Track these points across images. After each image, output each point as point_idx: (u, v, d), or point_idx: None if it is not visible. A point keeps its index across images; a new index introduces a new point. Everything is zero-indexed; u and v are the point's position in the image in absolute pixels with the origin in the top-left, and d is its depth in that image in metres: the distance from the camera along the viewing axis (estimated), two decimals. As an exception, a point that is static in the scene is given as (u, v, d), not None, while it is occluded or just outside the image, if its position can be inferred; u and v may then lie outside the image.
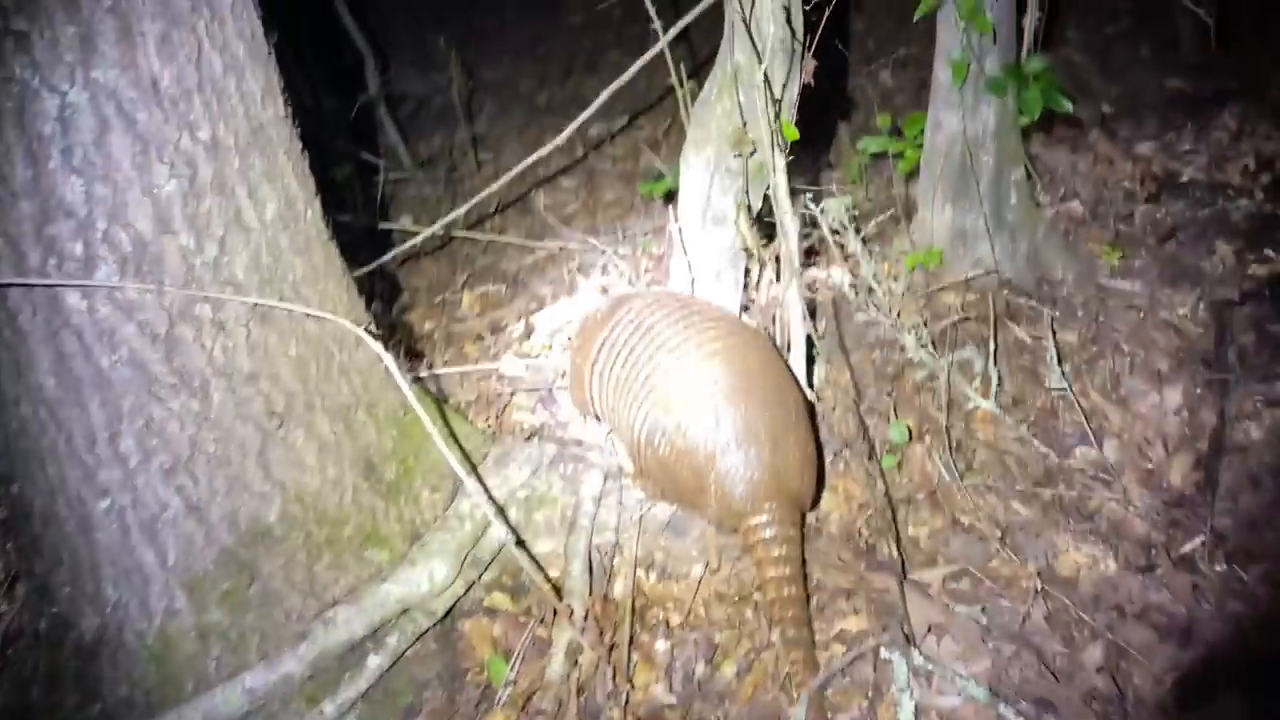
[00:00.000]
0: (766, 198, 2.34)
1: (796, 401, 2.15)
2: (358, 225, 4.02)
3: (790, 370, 2.25)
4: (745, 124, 2.14)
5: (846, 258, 2.96)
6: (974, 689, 1.84)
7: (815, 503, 2.25)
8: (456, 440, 2.23)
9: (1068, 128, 4.43)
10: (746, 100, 2.14)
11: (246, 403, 1.83)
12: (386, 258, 3.16)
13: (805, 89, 2.24)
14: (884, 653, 1.87)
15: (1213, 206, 3.73)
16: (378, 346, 1.82)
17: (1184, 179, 4.03)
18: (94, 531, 1.79)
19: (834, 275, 3.12)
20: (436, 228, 3.17)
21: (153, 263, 1.66)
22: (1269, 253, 3.30)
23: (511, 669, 2.02)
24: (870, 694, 1.91)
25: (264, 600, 1.91)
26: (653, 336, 2.16)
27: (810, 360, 2.51)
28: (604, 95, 2.66)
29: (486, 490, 2.14)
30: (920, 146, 3.21)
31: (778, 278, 2.36)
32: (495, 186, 3.22)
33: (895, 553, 2.02)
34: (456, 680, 2.04)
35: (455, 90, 5.36)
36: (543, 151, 2.95)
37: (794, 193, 2.31)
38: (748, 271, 2.50)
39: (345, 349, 2.01)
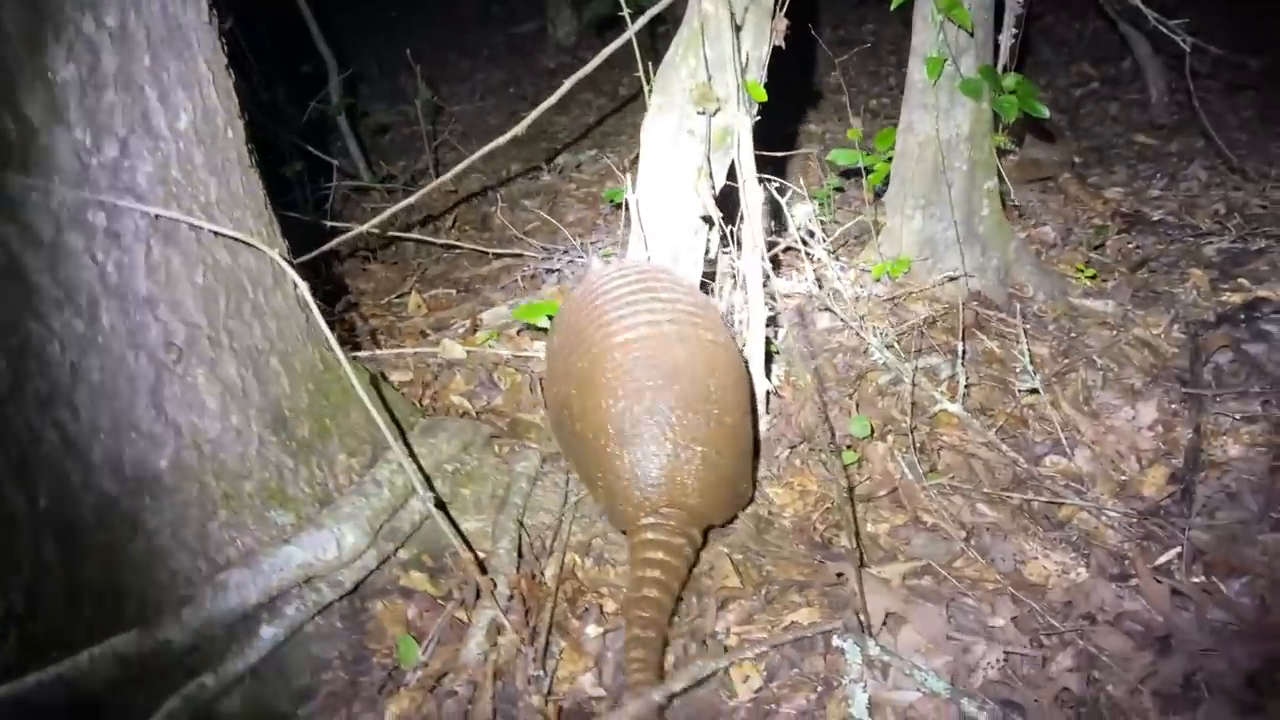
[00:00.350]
0: (731, 172, 2.22)
1: (729, 405, 1.94)
2: (303, 223, 3.85)
3: (739, 369, 2.04)
4: (711, 79, 2.01)
5: (813, 264, 2.84)
6: (934, 682, 1.66)
7: (728, 520, 2.08)
8: (385, 405, 2.05)
9: (1036, 170, 4.41)
10: (713, 54, 2.02)
11: (141, 330, 1.64)
12: (330, 245, 2.99)
13: (776, 52, 2.13)
14: (836, 640, 1.68)
15: (1184, 242, 3.67)
16: (295, 275, 1.64)
17: (1155, 219, 3.99)
18: (-47, 463, 1.59)
19: (798, 283, 2.99)
20: (380, 220, 3.03)
21: (42, 156, 1.49)
22: (1243, 281, 3.22)
23: (424, 651, 1.81)
24: (819, 688, 1.72)
25: (147, 558, 1.70)
26: (593, 311, 2.01)
27: (769, 351, 2.36)
28: (571, 81, 2.54)
29: (413, 456, 1.95)
30: (890, 160, 3.12)
31: (739, 251, 2.22)
32: (449, 176, 3.10)
33: (853, 543, 1.84)
34: (361, 663, 1.82)
35: (421, 115, 5.27)
36: (503, 139, 2.83)
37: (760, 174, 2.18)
38: (708, 249, 2.36)
39: (260, 289, 1.84)
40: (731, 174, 2.16)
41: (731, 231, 2.20)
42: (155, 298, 1.64)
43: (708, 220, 2.18)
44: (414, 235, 4.17)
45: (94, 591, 1.67)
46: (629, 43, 2.11)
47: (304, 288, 1.61)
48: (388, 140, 6.05)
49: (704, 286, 2.40)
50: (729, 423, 1.92)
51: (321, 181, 4.57)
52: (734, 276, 2.24)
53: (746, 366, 2.03)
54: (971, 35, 2.66)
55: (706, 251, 2.30)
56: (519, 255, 3.97)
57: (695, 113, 2.09)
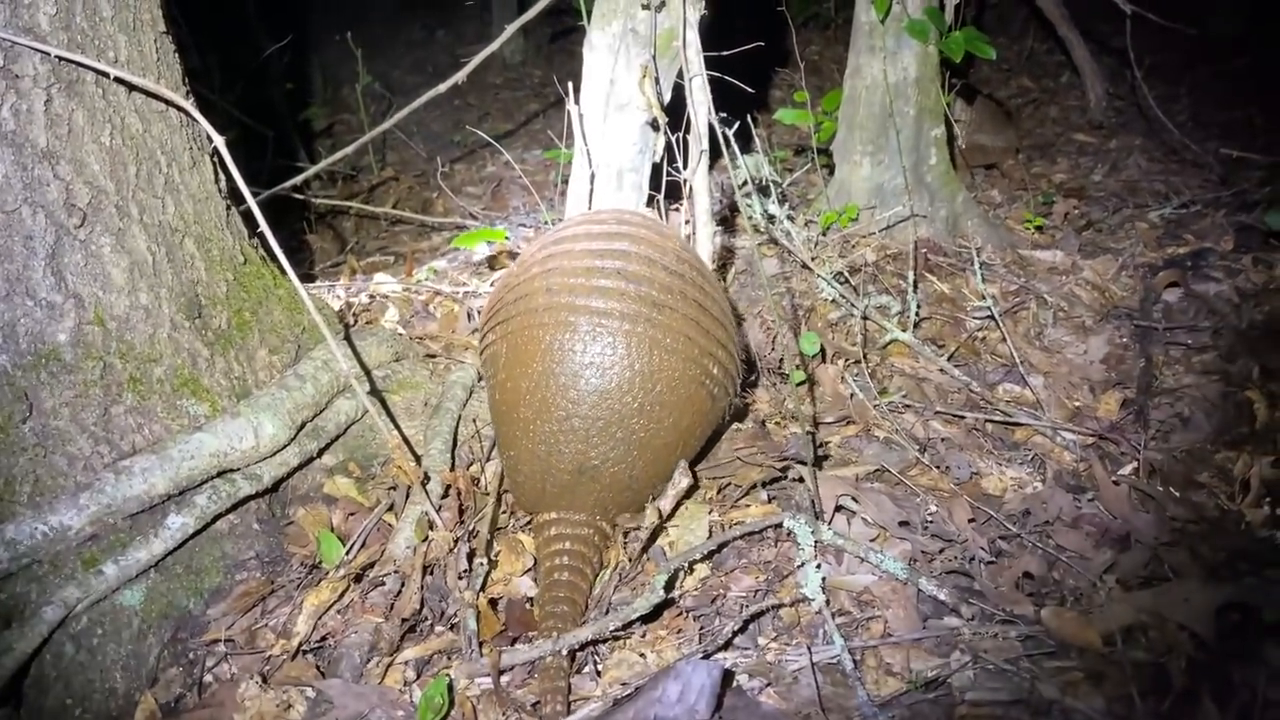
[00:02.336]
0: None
1: (662, 420, 1.64)
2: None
3: (688, 383, 1.66)
4: (654, -31, 1.96)
5: (763, 203, 2.78)
6: (891, 564, 1.57)
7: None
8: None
9: (982, 156, 4.43)
10: (656, -56, 1.96)
11: (39, 186, 1.51)
12: (274, 191, 2.89)
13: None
14: (787, 523, 1.59)
15: (1127, 211, 3.68)
16: (210, 129, 1.53)
17: (1099, 194, 4.01)
18: None
19: (747, 233, 2.93)
20: (335, 159, 2.95)
21: (-72, -19, 1.37)
22: (1188, 237, 3.22)
23: (348, 551, 1.68)
24: (767, 575, 1.62)
25: (42, 440, 1.55)
26: (547, 269, 1.70)
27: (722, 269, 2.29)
28: (513, 27, 2.50)
29: (343, 355, 1.82)
30: (837, 119, 3.09)
31: (684, 165, 2.15)
32: (383, 128, 3.03)
33: (805, 433, 1.75)
34: (279, 564, 1.69)
35: (361, 100, 5.19)
36: (442, 87, 2.78)
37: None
38: (655, 170, 2.29)
39: (176, 165, 1.72)
40: (680, 78, 2.09)
41: (678, 139, 2.13)
42: (56, 152, 1.52)
43: (654, 125, 2.11)
44: (355, 204, 4.06)
45: (-19, 474, 1.52)
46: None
47: (220, 141, 1.50)
48: (330, 144, 5.96)
49: (650, 201, 2.33)
50: (658, 444, 1.66)
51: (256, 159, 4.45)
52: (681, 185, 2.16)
53: (707, 384, 1.68)
54: (918, -32, 2.65)
55: (654, 168, 2.23)
56: (461, 226, 3.89)
57: (640, 9, 2.02)
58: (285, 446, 1.73)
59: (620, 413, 1.62)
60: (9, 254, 1.51)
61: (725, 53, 2.07)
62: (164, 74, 1.71)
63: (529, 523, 1.79)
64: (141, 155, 1.65)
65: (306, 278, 2.94)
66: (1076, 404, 2.34)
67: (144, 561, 1.55)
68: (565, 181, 3.74)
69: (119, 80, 1.55)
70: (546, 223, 3.47)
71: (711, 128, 2.01)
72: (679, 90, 2.21)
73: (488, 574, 1.64)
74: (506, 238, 2.47)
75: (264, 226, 1.52)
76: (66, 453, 1.57)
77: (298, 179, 2.94)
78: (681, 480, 1.64)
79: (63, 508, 1.51)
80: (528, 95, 6.49)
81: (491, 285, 2.57)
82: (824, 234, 2.97)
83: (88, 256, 1.58)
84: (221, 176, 1.87)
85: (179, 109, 1.64)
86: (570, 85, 2.20)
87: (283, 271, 1.63)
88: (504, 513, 1.83)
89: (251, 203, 1.51)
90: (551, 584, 1.59)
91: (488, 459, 1.89)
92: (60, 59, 1.49)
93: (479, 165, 5.29)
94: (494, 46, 2.61)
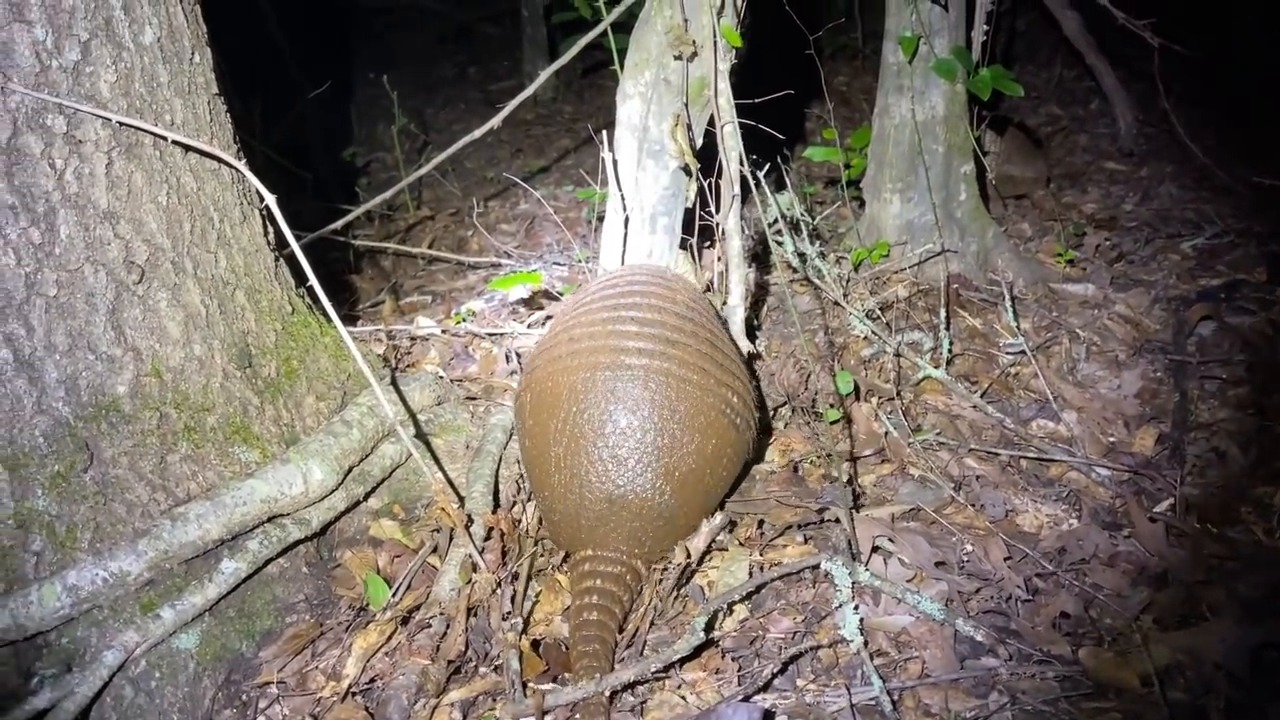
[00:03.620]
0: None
1: (687, 455, 1.71)
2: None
3: (711, 413, 1.73)
4: (687, 22, 2.01)
5: (795, 241, 2.82)
6: (928, 604, 1.59)
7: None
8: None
9: (1011, 186, 4.44)
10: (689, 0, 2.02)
11: (100, 246, 1.58)
12: (324, 231, 2.96)
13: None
14: (824, 564, 1.61)
15: (1159, 241, 3.68)
16: (261, 188, 1.59)
17: (1131, 224, 4.01)
18: (-102, 378, 1.52)
19: (778, 270, 2.97)
20: (353, 216, 3.02)
21: (0, 54, 1.45)
22: (1220, 268, 3.22)
23: (394, 594, 1.72)
24: (805, 616, 1.64)
25: (102, 489, 1.62)
26: (571, 319, 1.84)
27: (751, 320, 2.33)
28: (555, 65, 2.57)
29: (388, 400, 1.88)
30: (867, 156, 3.13)
31: (717, 208, 2.19)
32: (422, 171, 3.10)
33: (843, 478, 1.78)
34: (328, 606, 1.73)
35: (396, 140, 5.30)
36: (479, 131, 2.85)
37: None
38: (688, 214, 2.33)
39: (228, 220, 1.79)
40: (712, 124, 2.15)
41: (711, 184, 2.18)
42: (116, 213, 1.59)
43: (687, 171, 2.16)
44: (392, 244, 4.14)
45: (45, 521, 1.58)
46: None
47: (271, 200, 1.57)
48: (366, 182, 6.07)
49: (682, 244, 2.37)
50: (685, 470, 1.71)
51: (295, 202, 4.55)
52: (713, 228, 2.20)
53: (728, 412, 1.75)
54: (945, 9, 2.69)
55: (687, 212, 2.27)
56: (496, 265, 3.95)
57: (672, 60, 2.08)
58: (333, 491, 1.78)
59: (645, 440, 1.69)
60: (72, 310, 1.57)
61: (757, 100, 2.12)
62: (217, 134, 1.78)
63: (565, 560, 1.83)
64: (196, 212, 1.72)
65: (349, 319, 3.00)
66: (1111, 439, 2.35)
67: (199, 606, 1.60)
68: (599, 220, 3.81)
69: (176, 143, 1.62)
70: (581, 261, 3.53)
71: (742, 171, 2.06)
72: (710, 135, 2.26)
73: (529, 615, 1.68)
74: (542, 280, 2.52)
75: (313, 280, 1.58)
76: (125, 500, 1.63)
77: (340, 222, 3.02)
78: (715, 518, 1.68)
79: (122, 554, 1.57)
80: (559, 131, 6.58)
81: (528, 326, 2.62)
82: (855, 271, 3.00)
83: (145, 311, 1.65)
84: (269, 229, 1.94)
85: (233, 169, 1.71)
86: (605, 133, 2.26)
87: (330, 321, 1.68)
88: (542, 555, 1.87)
89: (302, 259, 1.57)
90: (582, 623, 1.62)
91: (528, 500, 1.93)
92: (121, 124, 1.56)
93: (512, 203, 5.37)
94: (530, 91, 2.68)
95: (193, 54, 1.72)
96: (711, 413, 1.74)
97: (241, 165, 1.65)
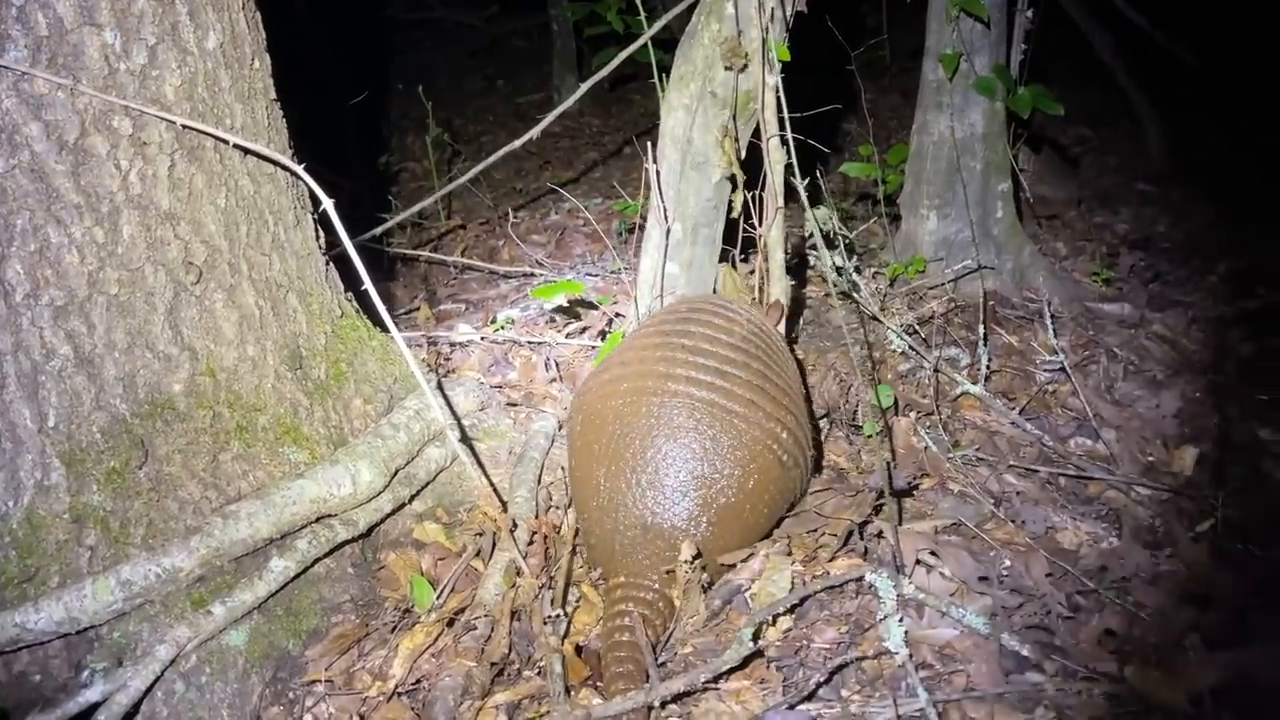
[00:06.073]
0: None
1: (729, 488, 1.71)
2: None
3: (755, 446, 1.73)
4: (740, 34, 2.03)
5: (831, 253, 2.82)
6: (973, 619, 1.58)
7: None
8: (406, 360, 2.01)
9: (1044, 207, 4.43)
10: (741, 11, 2.03)
11: (161, 246, 1.61)
12: (373, 233, 2.99)
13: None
14: (868, 577, 1.62)
15: (1194, 263, 3.67)
16: (320, 191, 1.61)
17: (1164, 245, 4.00)
18: (-38, 372, 1.54)
19: (813, 284, 2.98)
20: (392, 223, 3.05)
21: (70, 55, 1.48)
22: (1260, 290, 3.20)
23: (439, 596, 1.74)
24: (849, 627, 1.65)
25: (156, 485, 1.64)
26: (627, 347, 1.89)
27: (789, 333, 2.33)
28: (593, 80, 2.59)
29: (435, 402, 1.90)
30: (903, 173, 3.14)
31: (759, 221, 2.21)
32: (459, 182, 3.13)
33: (888, 489, 1.78)
34: (373, 607, 1.75)
35: (430, 149, 5.35)
36: (516, 143, 2.87)
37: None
38: (730, 226, 2.35)
39: (282, 224, 1.82)
40: (755, 136, 2.16)
41: (753, 197, 2.19)
42: (177, 214, 1.62)
43: (732, 182, 2.17)
44: (426, 253, 4.18)
45: (99, 517, 1.60)
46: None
47: (329, 203, 1.59)
48: (397, 191, 6.12)
49: (724, 255, 2.38)
50: (724, 504, 1.71)
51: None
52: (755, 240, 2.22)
53: (775, 448, 1.74)
54: (987, 26, 2.70)
55: (729, 217, 2.28)
56: (529, 274, 3.97)
57: (720, 73, 2.10)
58: (380, 493, 1.79)
59: (687, 470, 1.69)
60: (131, 309, 1.60)
61: (802, 114, 2.13)
62: (274, 139, 1.81)
63: (600, 576, 1.83)
64: (252, 215, 1.74)
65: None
66: (1150, 459, 2.34)
67: (249, 603, 1.62)
68: (628, 232, 3.83)
69: (236, 146, 1.65)
70: (614, 272, 3.55)
71: (788, 185, 2.07)
72: (752, 148, 2.28)
73: (569, 621, 1.68)
74: (583, 290, 2.54)
75: (369, 285, 1.60)
76: (178, 497, 1.66)
77: (379, 229, 3.05)
78: (774, 544, 1.68)
79: (174, 550, 1.59)
80: (587, 144, 6.61)
81: (566, 336, 2.64)
82: (891, 286, 3.00)
83: (202, 311, 1.67)
84: (320, 233, 1.96)
85: (291, 173, 1.74)
86: (649, 144, 2.27)
87: (381, 327, 1.70)
88: (580, 566, 1.88)
89: (358, 264, 1.60)
90: (614, 644, 1.61)
91: (569, 506, 1.94)
92: (185, 127, 1.59)
93: (543, 214, 5.40)
94: (568, 104, 2.71)
95: (253, 59, 1.75)
96: (757, 446, 1.73)
97: (300, 169, 1.68)
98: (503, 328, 2.72)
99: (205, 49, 1.64)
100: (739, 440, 1.71)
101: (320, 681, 1.60)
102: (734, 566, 1.75)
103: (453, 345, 2.59)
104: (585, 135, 6.90)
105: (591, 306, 2.76)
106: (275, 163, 1.71)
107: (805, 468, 1.84)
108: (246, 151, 1.68)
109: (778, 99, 2.08)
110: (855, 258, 3.16)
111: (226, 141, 1.63)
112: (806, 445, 1.84)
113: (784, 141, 2.10)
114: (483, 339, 2.63)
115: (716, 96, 2.15)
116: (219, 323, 1.69)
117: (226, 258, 1.70)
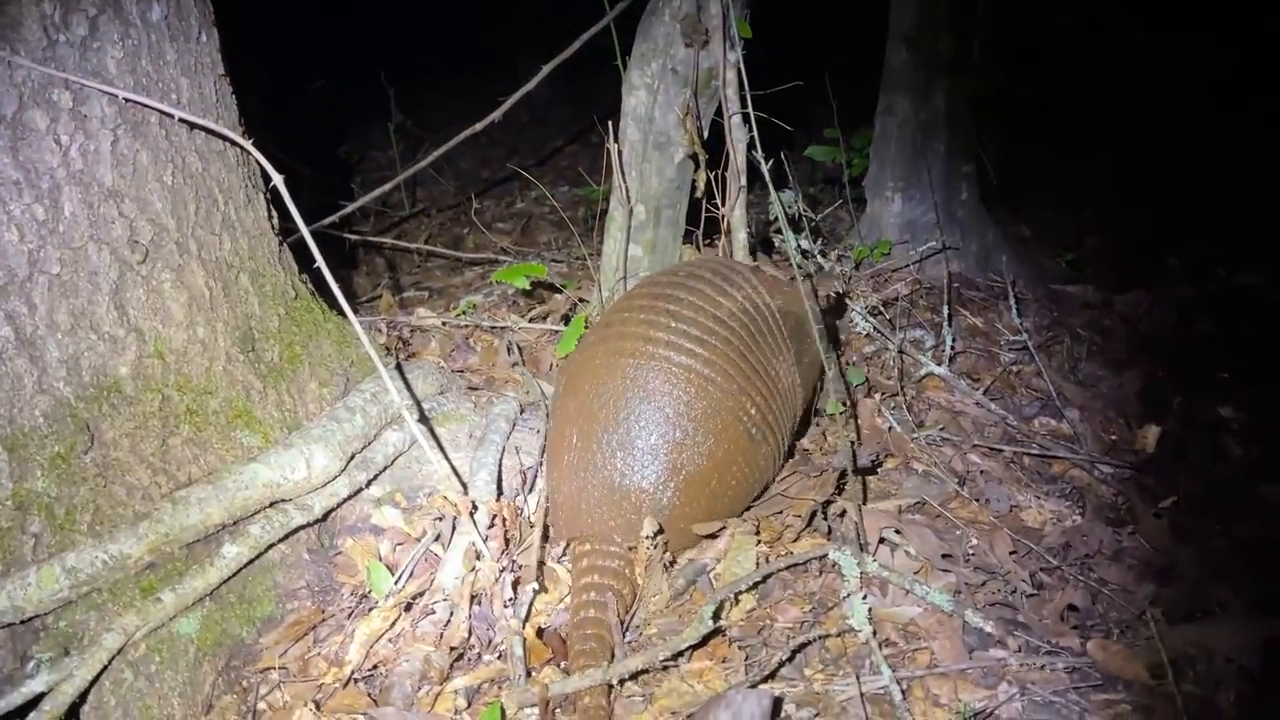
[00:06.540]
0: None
1: (698, 453, 1.69)
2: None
3: (727, 415, 1.72)
4: (700, 9, 2.00)
5: (797, 236, 2.81)
6: (937, 596, 1.57)
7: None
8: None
9: (1010, 189, 4.44)
10: (699, -12, 2.01)
11: (104, 224, 1.57)
12: (331, 219, 2.94)
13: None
14: (832, 555, 1.60)
15: (1157, 245, 3.69)
16: (269, 168, 1.57)
17: (1129, 227, 4.02)
18: (-103, 354, 1.49)
19: (780, 267, 2.97)
20: (351, 209, 3.01)
21: (7, 26, 1.43)
22: (1220, 272, 3.23)
23: (397, 581, 1.70)
24: (812, 606, 1.63)
25: (103, 470, 1.59)
26: (627, 300, 1.91)
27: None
28: (553, 64, 2.55)
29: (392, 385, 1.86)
30: (869, 156, 3.13)
31: (722, 201, 2.18)
32: (418, 166, 3.09)
33: (852, 468, 1.77)
34: (329, 593, 1.71)
35: (394, 138, 5.28)
36: (476, 127, 2.84)
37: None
38: (692, 206, 2.32)
39: (232, 203, 1.78)
40: (718, 115, 2.14)
41: (716, 177, 2.17)
42: (121, 191, 1.58)
43: (694, 161, 2.15)
44: (389, 239, 4.12)
45: (44, 503, 1.55)
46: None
47: (278, 179, 1.55)
48: (360, 179, 6.05)
49: (687, 236, 2.36)
50: (691, 469, 1.69)
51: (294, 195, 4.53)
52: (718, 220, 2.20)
53: (743, 419, 1.73)
54: (950, 9, 2.69)
55: (692, 197, 2.26)
56: (493, 261, 3.94)
57: (681, 50, 2.07)
58: (336, 477, 1.76)
59: (658, 433, 1.68)
60: (74, 289, 1.55)
61: (765, 91, 2.11)
62: (223, 115, 1.76)
63: (565, 550, 1.81)
64: (201, 193, 1.70)
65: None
66: (1113, 437, 2.34)
67: (200, 590, 1.58)
68: (594, 218, 3.80)
69: (183, 121, 1.61)
70: (579, 258, 3.52)
71: (750, 163, 2.05)
72: (715, 127, 2.25)
73: (531, 602, 1.66)
74: (545, 272, 2.51)
75: (320, 262, 1.57)
76: (126, 483, 1.61)
77: (339, 214, 3.00)
78: (743, 523, 1.67)
79: (122, 536, 1.55)
80: (554, 132, 6.56)
81: (529, 320, 2.61)
82: (856, 268, 2.99)
83: (149, 292, 1.63)
84: (273, 213, 1.92)
85: (240, 148, 1.69)
86: (609, 124, 2.24)
87: (335, 308, 1.67)
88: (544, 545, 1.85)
89: (310, 241, 1.56)
90: (581, 621, 1.60)
91: (530, 490, 1.92)
92: (127, 100, 1.54)
93: (508, 201, 5.36)
94: (528, 87, 2.67)
95: (199, 33, 1.70)
96: (727, 416, 1.72)
97: (248, 144, 1.64)
98: (465, 312, 2.68)
99: (149, 21, 1.59)
100: (711, 408, 1.70)
101: (274, 669, 1.57)
102: (700, 543, 1.73)
103: (413, 330, 2.55)
104: (552, 123, 6.84)
105: (555, 290, 2.74)
106: (222, 137, 1.67)
107: (775, 448, 1.83)
108: (193, 126, 1.64)
109: (740, 76, 2.06)
110: (821, 240, 3.15)
111: (172, 116, 1.58)
112: (777, 427, 1.82)
113: (746, 119, 2.07)
114: (444, 324, 2.59)
115: (678, 74, 2.12)
116: (167, 303, 1.65)
117: (174, 237, 1.65)
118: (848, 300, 2.61)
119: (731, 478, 1.76)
